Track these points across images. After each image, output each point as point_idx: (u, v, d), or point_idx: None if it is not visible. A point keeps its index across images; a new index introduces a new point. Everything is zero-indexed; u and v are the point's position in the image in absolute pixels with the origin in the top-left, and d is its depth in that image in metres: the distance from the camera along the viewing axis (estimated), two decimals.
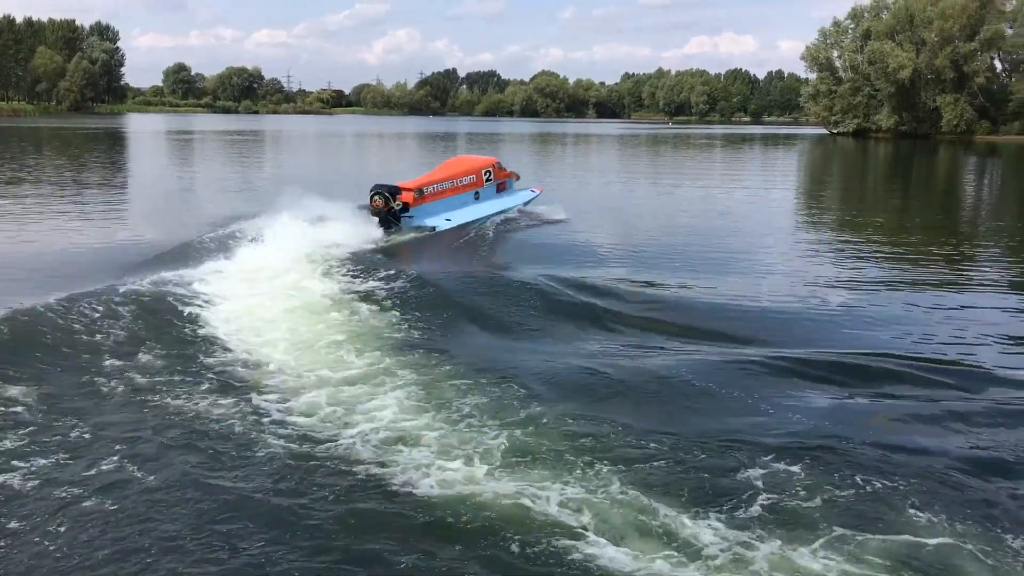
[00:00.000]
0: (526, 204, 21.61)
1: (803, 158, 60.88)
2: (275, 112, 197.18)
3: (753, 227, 21.72)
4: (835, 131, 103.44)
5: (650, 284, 13.31)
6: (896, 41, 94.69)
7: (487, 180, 20.62)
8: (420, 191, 18.70)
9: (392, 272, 12.97)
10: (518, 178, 22.41)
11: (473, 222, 18.99)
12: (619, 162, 50.29)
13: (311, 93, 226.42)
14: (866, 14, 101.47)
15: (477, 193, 20.23)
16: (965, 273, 15.28)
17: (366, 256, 14.52)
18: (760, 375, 8.80)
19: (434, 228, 18.33)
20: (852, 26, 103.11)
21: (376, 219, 17.71)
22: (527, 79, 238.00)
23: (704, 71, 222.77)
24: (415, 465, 6.49)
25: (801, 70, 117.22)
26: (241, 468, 6.43)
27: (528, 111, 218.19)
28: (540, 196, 22.24)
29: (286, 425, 7.26)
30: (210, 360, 8.91)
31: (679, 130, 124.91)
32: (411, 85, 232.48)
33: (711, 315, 11.38)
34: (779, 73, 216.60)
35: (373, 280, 12.57)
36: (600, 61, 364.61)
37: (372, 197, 17.90)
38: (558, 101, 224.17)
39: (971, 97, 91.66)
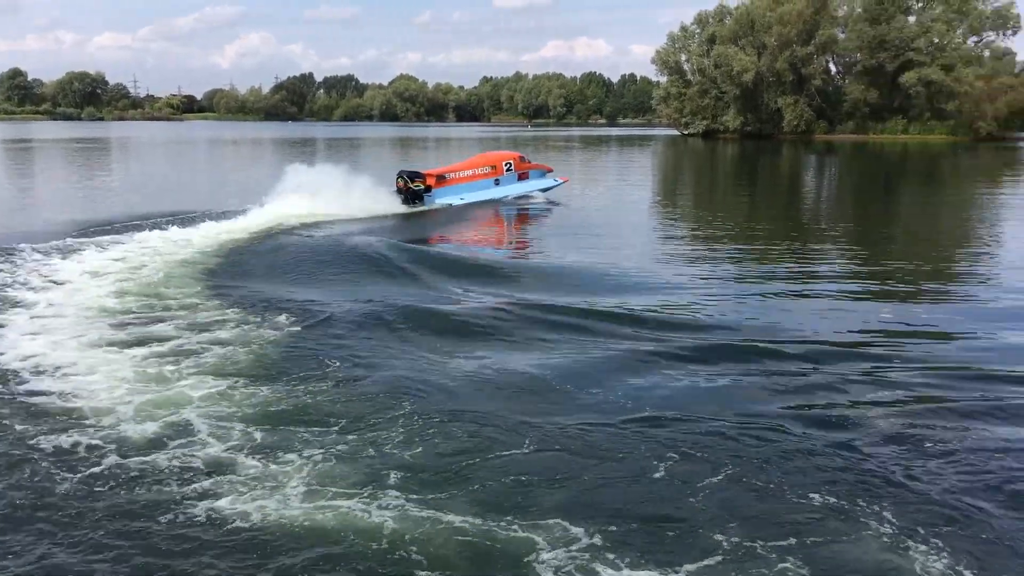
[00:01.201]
0: (545, 190, 26.83)
1: (657, 158, 62.89)
2: (121, 119, 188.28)
3: (610, 224, 22.33)
4: (686, 132, 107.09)
5: (495, 290, 13.37)
6: (739, 45, 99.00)
7: (507, 170, 26.10)
8: (442, 177, 24.61)
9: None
10: (551, 170, 27.98)
11: (488, 201, 24.82)
12: None
13: (160, 99, 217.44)
14: (711, 19, 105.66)
15: (497, 180, 25.77)
16: (804, 263, 16.05)
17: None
18: (609, 363, 9.23)
19: (450, 204, 24.01)
20: (698, 31, 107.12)
21: (400, 197, 23.38)
22: (386, 83, 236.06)
23: (561, 75, 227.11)
24: (241, 490, 6.11)
25: (652, 73, 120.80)
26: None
27: (388, 115, 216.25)
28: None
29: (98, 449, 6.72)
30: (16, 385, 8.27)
31: (538, 132, 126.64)
32: (266, 90, 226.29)
33: (565, 311, 11.49)
34: (632, 76, 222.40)
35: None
36: (459, 65, 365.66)
37: (396, 179, 23.74)
38: (418, 105, 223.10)
39: (809, 98, 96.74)
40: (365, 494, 6.08)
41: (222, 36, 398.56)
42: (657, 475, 6.43)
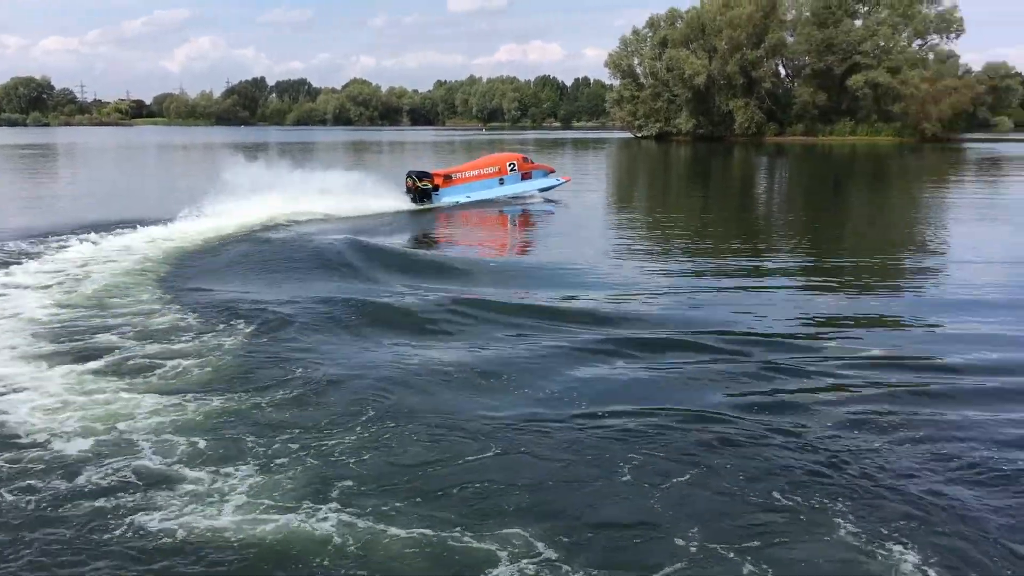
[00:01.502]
0: (544, 189, 28.28)
1: (611, 160, 63.27)
2: (68, 124, 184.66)
3: (566, 223, 22.49)
4: (639, 135, 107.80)
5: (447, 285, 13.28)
6: (691, 49, 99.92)
7: (511, 170, 27.53)
8: (448, 176, 26.29)
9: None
10: (552, 170, 29.48)
11: (492, 199, 26.33)
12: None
13: (108, 104, 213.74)
14: (662, 23, 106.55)
15: (501, 180, 27.21)
16: (754, 259, 16.19)
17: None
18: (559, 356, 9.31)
19: (457, 202, 25.69)
20: (650, 35, 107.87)
21: (410, 196, 25.02)
22: (339, 87, 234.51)
23: (515, 78, 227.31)
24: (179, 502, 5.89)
25: (606, 77, 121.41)
26: None
27: (341, 119, 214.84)
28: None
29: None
30: None
31: (493, 136, 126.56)
32: (217, 94, 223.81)
33: (521, 307, 11.48)
34: (586, 80, 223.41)
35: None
36: (413, 69, 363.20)
37: (406, 179, 25.38)
38: (372, 109, 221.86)
39: (760, 101, 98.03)
40: (309, 506, 5.88)
41: (172, 40, 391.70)
42: (614, 475, 6.35)
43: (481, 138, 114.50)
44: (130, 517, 5.72)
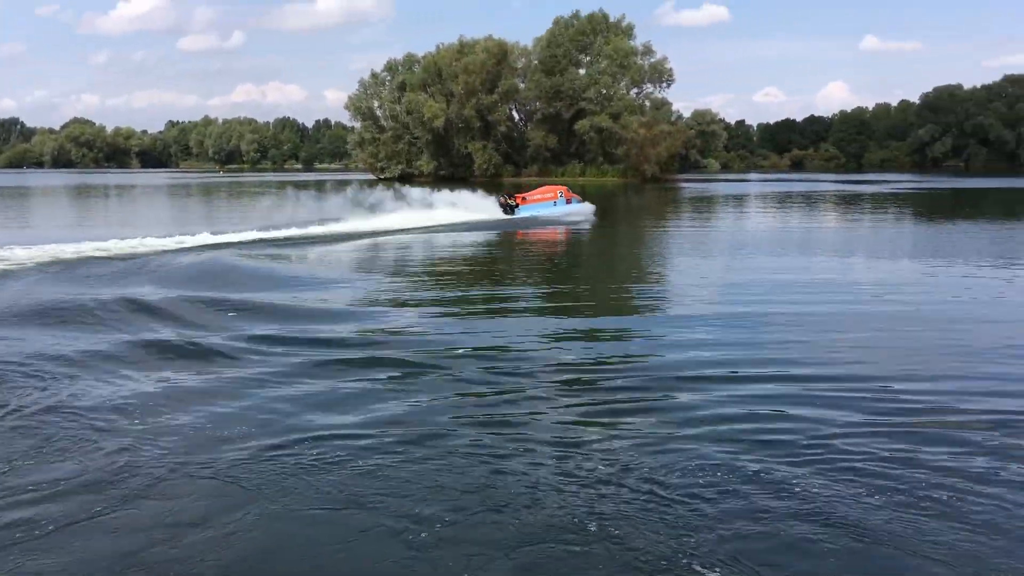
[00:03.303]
0: (572, 211, 37.91)
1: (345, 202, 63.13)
2: None
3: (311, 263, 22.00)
4: (382, 176, 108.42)
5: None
6: (429, 92, 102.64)
7: (560, 197, 38.43)
8: (524, 198, 37.03)
9: None
10: (582, 200, 39.90)
11: (549, 215, 36.57)
12: (173, 213, 47.64)
13: None
14: (400, 67, 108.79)
15: (555, 202, 37.91)
16: (493, 289, 16.70)
17: None
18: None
19: (533, 217, 35.92)
20: (389, 78, 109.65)
21: (502, 209, 35.76)
22: (57, 127, 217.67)
23: (253, 119, 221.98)
24: None
25: (347, 119, 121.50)
26: None
27: (61, 161, 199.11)
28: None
29: None
30: None
31: (232, 179, 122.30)
32: None
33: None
34: (327, 122, 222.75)
35: None
36: (142, 108, 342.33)
37: (499, 197, 36.57)
38: (96, 150, 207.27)
39: (496, 144, 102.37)
40: None
41: None
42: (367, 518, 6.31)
43: (219, 180, 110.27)
44: None
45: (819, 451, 7.45)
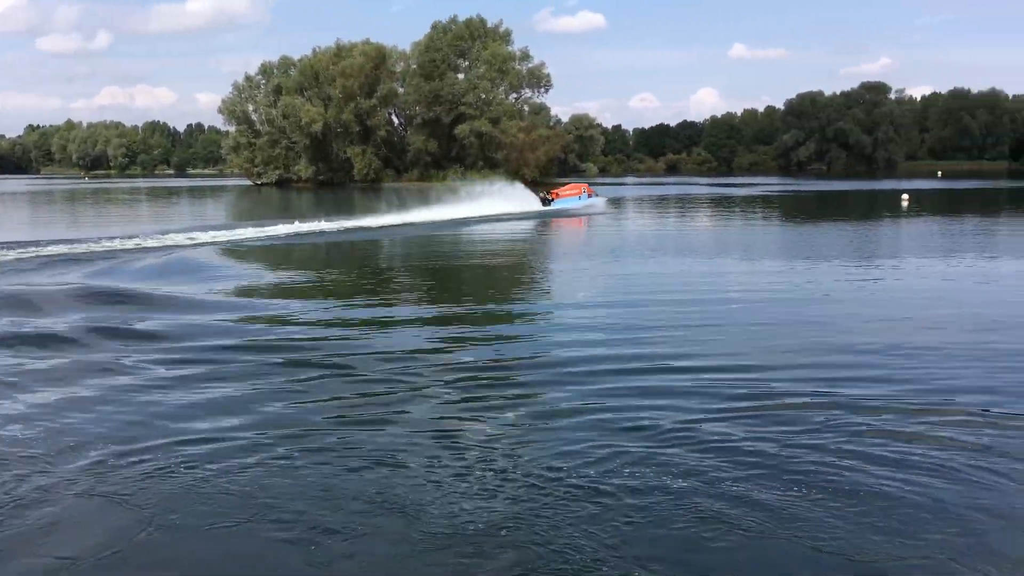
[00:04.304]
0: (591, 204, 48.45)
1: (232, 208, 61.72)
2: None
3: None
4: (259, 182, 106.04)
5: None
6: (306, 96, 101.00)
7: (584, 193, 49.19)
8: (557, 194, 47.58)
9: None
10: (598, 195, 51.18)
11: (576, 207, 46.33)
12: (33, 220, 45.41)
13: None
14: (275, 70, 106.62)
15: (580, 197, 48.29)
16: (381, 296, 16.74)
17: None
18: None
19: (565, 209, 45.17)
20: (263, 81, 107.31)
21: (542, 202, 46.22)
22: None
23: (120, 123, 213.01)
24: None
25: (221, 123, 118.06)
26: None
27: None
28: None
29: None
30: None
31: (98, 185, 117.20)
32: None
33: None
34: (200, 126, 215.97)
35: None
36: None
37: (539, 191, 48.38)
38: None
39: (376, 148, 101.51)
40: None
41: None
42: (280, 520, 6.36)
43: (85, 187, 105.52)
44: None
45: (684, 434, 8.03)
